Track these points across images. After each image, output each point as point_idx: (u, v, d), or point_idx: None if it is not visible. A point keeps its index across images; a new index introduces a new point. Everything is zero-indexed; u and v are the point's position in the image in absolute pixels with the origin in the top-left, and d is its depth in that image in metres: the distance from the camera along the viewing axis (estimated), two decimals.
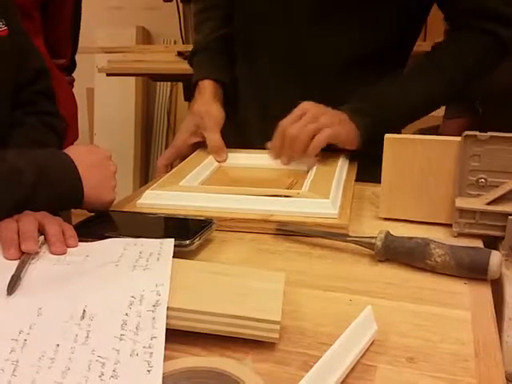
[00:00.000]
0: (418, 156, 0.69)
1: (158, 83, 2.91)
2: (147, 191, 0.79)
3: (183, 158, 0.97)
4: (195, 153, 0.97)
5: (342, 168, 0.86)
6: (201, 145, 0.99)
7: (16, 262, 0.55)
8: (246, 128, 1.07)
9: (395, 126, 0.88)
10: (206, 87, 1.01)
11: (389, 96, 0.92)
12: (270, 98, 1.02)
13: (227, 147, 0.96)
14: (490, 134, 0.64)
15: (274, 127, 1.00)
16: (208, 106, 0.98)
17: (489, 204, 0.64)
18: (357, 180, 0.87)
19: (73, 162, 0.67)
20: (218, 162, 0.94)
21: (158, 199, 0.77)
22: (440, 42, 0.96)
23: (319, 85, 0.96)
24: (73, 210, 0.83)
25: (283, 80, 0.99)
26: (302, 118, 0.86)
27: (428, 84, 0.92)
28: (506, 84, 1.30)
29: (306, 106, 0.88)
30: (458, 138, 0.66)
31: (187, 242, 0.62)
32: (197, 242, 0.64)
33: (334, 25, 0.92)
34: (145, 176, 2.87)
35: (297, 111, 0.88)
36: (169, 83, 2.88)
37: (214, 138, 0.95)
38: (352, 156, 0.92)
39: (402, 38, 0.97)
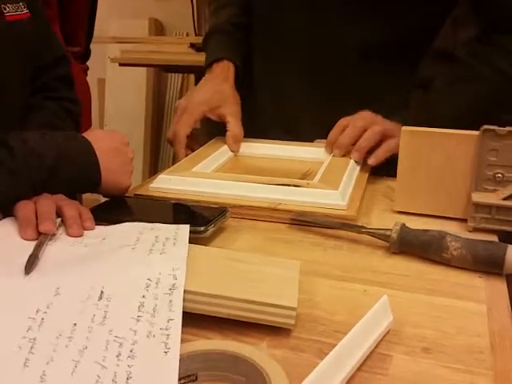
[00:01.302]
0: (435, 149, 0.68)
1: (170, 75, 2.91)
2: (160, 175, 0.80)
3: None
4: (212, 141, 0.98)
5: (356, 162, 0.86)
6: None
7: (33, 243, 0.55)
8: (260, 116, 1.07)
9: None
10: (229, 69, 1.00)
11: (437, 105, 0.92)
12: (287, 87, 1.01)
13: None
14: (508, 128, 0.64)
15: (289, 117, 1.00)
16: (232, 89, 0.98)
17: (505, 199, 0.64)
18: (371, 174, 0.87)
19: (91, 146, 0.67)
20: (231, 150, 0.94)
21: (169, 184, 0.78)
22: (475, 46, 0.95)
23: (335, 73, 0.96)
24: (84, 196, 0.84)
25: (303, 69, 0.99)
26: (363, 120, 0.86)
27: (470, 90, 0.91)
28: None
29: (366, 113, 0.88)
30: (476, 132, 0.66)
31: (202, 228, 0.63)
32: (211, 229, 0.64)
33: (360, 12, 0.92)
34: (154, 167, 2.88)
35: (358, 115, 0.87)
36: (180, 75, 2.89)
37: (237, 125, 0.94)
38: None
39: (427, 28, 0.96)
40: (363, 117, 0.87)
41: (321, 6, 0.94)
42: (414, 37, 0.94)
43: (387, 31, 0.92)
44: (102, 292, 0.46)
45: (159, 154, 2.94)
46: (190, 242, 0.57)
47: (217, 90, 0.96)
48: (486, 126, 0.65)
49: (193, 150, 0.94)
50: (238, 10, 1.07)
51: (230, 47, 1.03)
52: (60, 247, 0.56)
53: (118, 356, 0.40)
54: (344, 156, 0.87)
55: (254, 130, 1.00)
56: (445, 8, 0.97)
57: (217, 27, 1.06)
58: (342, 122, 0.88)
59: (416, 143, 0.69)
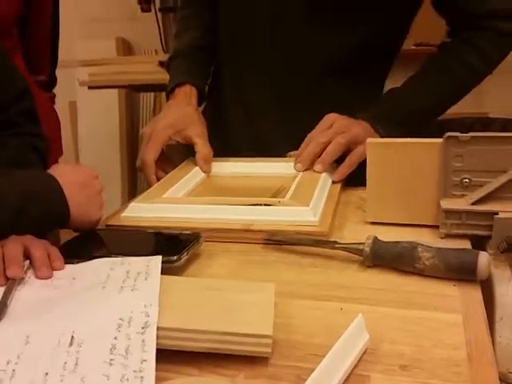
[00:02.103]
0: (401, 159, 0.69)
1: (142, 94, 2.89)
2: (131, 204, 0.79)
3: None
4: (183, 163, 0.97)
5: (328, 173, 0.86)
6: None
7: (1, 289, 0.54)
8: (231, 133, 1.07)
9: (415, 126, 0.91)
10: (191, 93, 1.00)
11: (403, 97, 0.93)
12: (255, 102, 1.02)
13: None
14: (471, 134, 0.65)
15: (260, 135, 1.01)
16: (195, 110, 0.98)
17: (474, 204, 0.64)
18: (345, 184, 0.87)
19: (58, 183, 0.66)
20: (203, 171, 0.94)
21: (141, 212, 0.77)
22: (445, 42, 0.97)
23: (304, 87, 0.97)
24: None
25: (267, 84, 1.00)
26: (329, 130, 0.87)
27: (440, 82, 0.93)
28: None
29: (333, 117, 0.88)
30: (440, 140, 0.67)
31: (175, 257, 0.62)
32: (184, 258, 0.63)
33: (321, 25, 0.92)
34: (133, 189, 2.85)
35: (324, 123, 0.88)
36: (152, 93, 2.87)
37: (205, 145, 0.94)
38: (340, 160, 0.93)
39: (390, 39, 0.98)
40: (329, 126, 0.87)
41: (283, 18, 0.95)
42: (380, 51, 0.96)
43: (353, 46, 0.93)
44: (72, 337, 0.45)
45: (136, 174, 2.92)
46: (163, 272, 0.56)
47: (181, 114, 0.96)
48: (448, 134, 0.65)
49: (166, 172, 0.93)
50: (200, 32, 1.07)
51: (192, 70, 1.03)
52: (29, 291, 0.55)
53: None
54: (308, 169, 0.87)
55: (227, 150, 1.00)
56: (408, 22, 0.98)
57: (179, 51, 1.07)
58: (310, 136, 0.88)
59: (382, 154, 0.69)
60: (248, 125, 1.04)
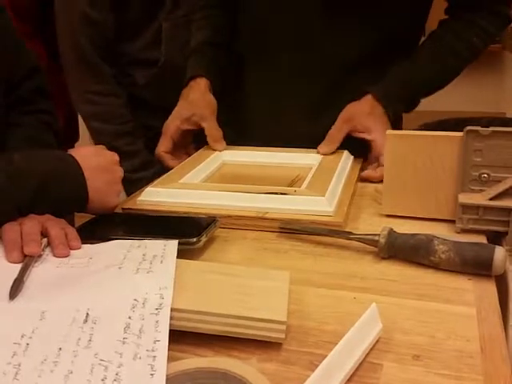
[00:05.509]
0: (420, 152, 0.68)
1: None
2: (147, 188, 0.80)
3: (175, 145, 0.99)
4: (200, 150, 0.98)
5: (344, 164, 0.86)
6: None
7: (19, 266, 0.54)
8: (254, 129, 1.07)
9: (416, 102, 0.96)
10: (200, 81, 1.01)
11: (407, 75, 0.95)
12: (281, 93, 1.02)
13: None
14: (491, 129, 0.64)
15: (284, 127, 1.00)
16: (202, 94, 1.00)
17: (492, 199, 0.64)
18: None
19: (79, 166, 0.66)
20: (215, 150, 0.96)
21: (157, 196, 0.78)
22: (444, 20, 0.98)
23: (330, 79, 0.97)
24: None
25: (295, 74, 1.00)
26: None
27: (438, 60, 0.95)
28: None
29: (351, 111, 0.92)
30: (460, 134, 0.66)
31: (194, 239, 0.62)
32: (203, 240, 0.63)
33: (346, 18, 0.93)
34: None
35: (342, 117, 0.92)
36: None
37: (212, 126, 0.97)
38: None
39: (413, 29, 0.98)
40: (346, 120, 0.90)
41: (308, 11, 0.95)
42: (401, 43, 0.96)
43: (374, 36, 0.94)
44: (87, 314, 0.46)
45: None
46: (181, 255, 0.57)
47: (186, 101, 0.99)
48: (469, 127, 0.65)
49: (190, 154, 0.98)
50: (211, 31, 1.07)
51: (200, 65, 1.03)
52: (46, 269, 0.55)
53: (103, 380, 0.39)
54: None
55: (245, 141, 1.00)
56: (425, 11, 0.98)
57: (191, 50, 1.07)
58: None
59: (401, 146, 0.69)
60: (272, 120, 1.04)
